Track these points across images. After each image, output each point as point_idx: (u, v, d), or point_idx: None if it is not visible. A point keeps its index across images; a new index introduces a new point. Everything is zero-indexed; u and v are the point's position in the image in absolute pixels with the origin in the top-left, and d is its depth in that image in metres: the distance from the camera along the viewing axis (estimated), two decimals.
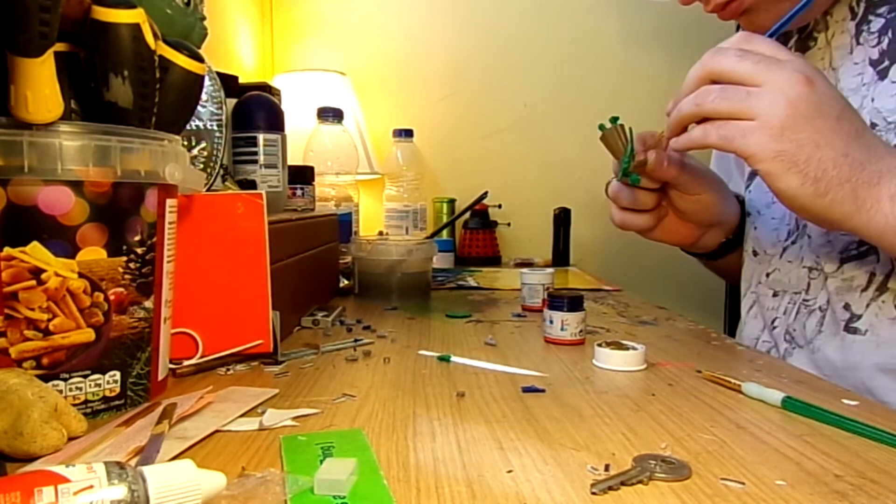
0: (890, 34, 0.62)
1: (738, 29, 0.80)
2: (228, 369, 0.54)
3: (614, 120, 0.67)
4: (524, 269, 0.85)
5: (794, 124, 0.50)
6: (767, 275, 0.73)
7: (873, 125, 0.61)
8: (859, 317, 0.61)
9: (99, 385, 0.42)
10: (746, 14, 0.67)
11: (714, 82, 0.54)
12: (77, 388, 0.41)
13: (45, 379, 0.39)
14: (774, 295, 0.72)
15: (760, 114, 0.51)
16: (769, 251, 0.73)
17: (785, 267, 0.70)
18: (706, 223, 0.75)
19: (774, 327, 0.71)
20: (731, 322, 1.33)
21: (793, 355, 0.67)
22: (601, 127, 0.68)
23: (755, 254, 0.76)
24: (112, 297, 0.42)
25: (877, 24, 0.63)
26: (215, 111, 0.75)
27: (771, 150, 0.51)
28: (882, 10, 0.63)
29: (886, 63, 0.62)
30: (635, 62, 1.59)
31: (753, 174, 0.78)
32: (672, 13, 1.57)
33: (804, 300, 0.67)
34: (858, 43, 0.65)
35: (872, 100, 0.62)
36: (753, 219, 0.76)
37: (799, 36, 0.72)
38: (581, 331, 0.64)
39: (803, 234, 0.68)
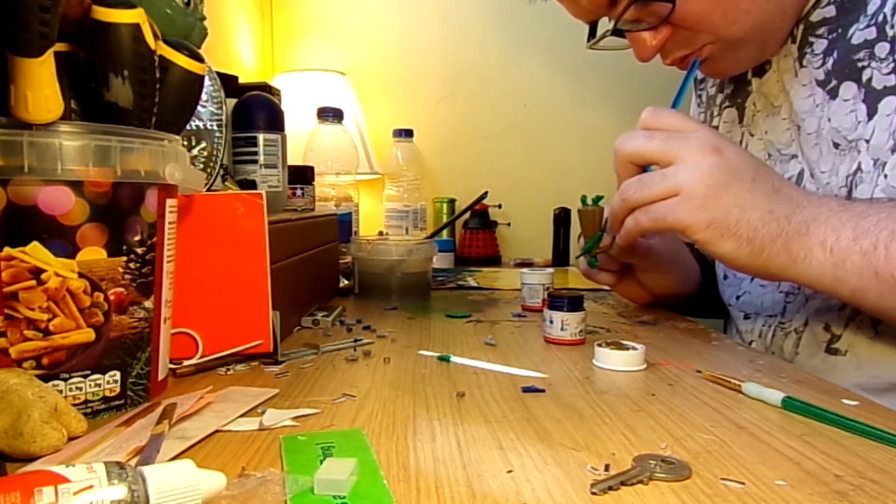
0: (835, 54, 0.62)
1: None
2: (228, 369, 0.54)
3: (597, 200, 0.73)
4: (524, 269, 0.85)
5: (716, 192, 0.53)
6: (737, 297, 0.74)
7: (835, 145, 0.62)
8: (839, 337, 0.62)
9: (99, 385, 0.42)
10: (705, 63, 0.69)
11: (633, 163, 0.59)
12: (77, 388, 0.41)
13: (45, 379, 0.39)
14: (746, 317, 0.73)
15: (681, 189, 0.54)
16: (738, 275, 0.74)
17: (757, 290, 0.71)
18: (663, 295, 0.80)
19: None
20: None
21: None
22: (583, 200, 0.75)
23: (725, 277, 0.78)
24: (112, 297, 0.42)
25: (820, 45, 0.64)
26: (215, 111, 0.75)
27: (702, 221, 0.54)
28: (821, 30, 0.64)
29: (834, 82, 0.62)
30: (635, 62, 1.59)
31: None
32: None
33: (780, 323, 0.68)
34: (802, 66, 0.66)
35: (829, 119, 0.62)
36: None
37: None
38: (581, 331, 0.64)
39: None
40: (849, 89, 0.61)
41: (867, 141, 0.59)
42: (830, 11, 0.63)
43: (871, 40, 0.59)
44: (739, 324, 0.74)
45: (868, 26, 0.59)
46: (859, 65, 0.60)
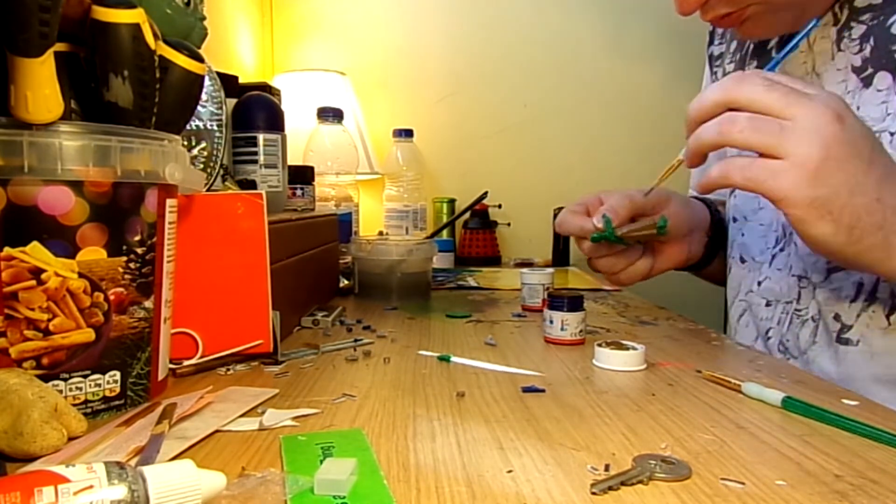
0: (872, 41, 0.61)
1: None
2: (228, 369, 0.54)
3: (608, 223, 0.67)
4: (524, 269, 0.85)
5: (829, 168, 0.47)
6: (759, 283, 0.73)
7: None
8: (850, 327, 0.61)
9: (99, 385, 0.42)
10: (745, 23, 0.66)
11: (732, 110, 0.51)
12: (77, 388, 0.41)
13: (45, 379, 0.39)
14: (767, 304, 0.71)
15: (792, 153, 0.48)
16: (758, 258, 0.72)
17: (775, 275, 0.70)
18: (685, 232, 0.76)
19: (769, 337, 0.70)
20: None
21: None
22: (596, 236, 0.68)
23: (742, 261, 0.76)
24: (112, 297, 0.42)
25: (858, 30, 0.62)
26: (215, 111, 0.75)
27: (805, 196, 0.48)
28: (865, 16, 0.62)
29: (870, 70, 0.61)
30: (635, 62, 1.59)
31: None
32: (673, 14, 1.57)
33: (796, 310, 0.67)
34: (840, 49, 0.64)
35: (858, 108, 0.61)
36: (740, 225, 0.76)
37: (780, 38, 0.71)
38: (581, 331, 0.64)
39: (790, 241, 0.68)
40: (883, 79, 0.59)
41: (892, 133, 0.58)
42: None
43: None
44: (760, 311, 0.72)
45: None
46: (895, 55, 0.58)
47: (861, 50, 0.62)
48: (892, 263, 0.49)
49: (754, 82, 0.50)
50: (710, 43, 0.86)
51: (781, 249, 0.69)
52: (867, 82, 0.61)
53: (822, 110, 0.48)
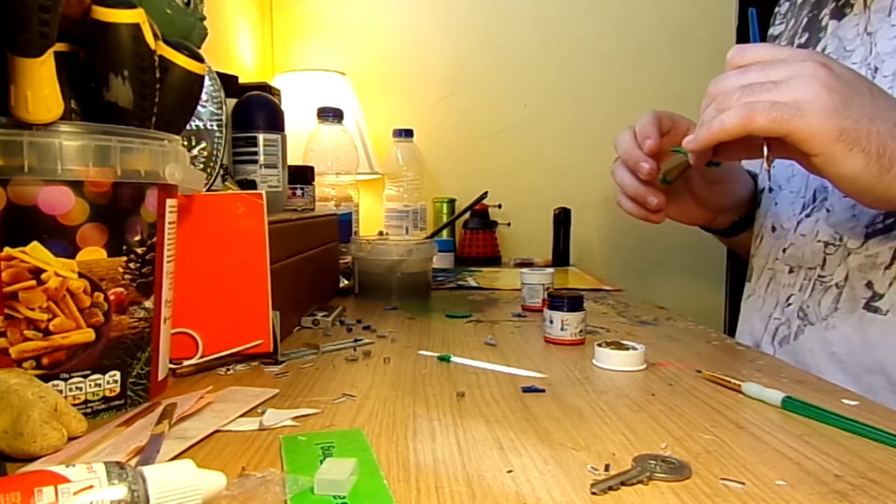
0: None
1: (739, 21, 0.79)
2: (228, 369, 0.54)
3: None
4: (524, 269, 0.85)
5: (842, 100, 0.48)
6: (784, 250, 0.72)
7: None
8: (881, 296, 0.59)
9: (99, 385, 0.42)
10: None
11: None
12: (77, 388, 0.41)
13: (45, 379, 0.39)
14: (790, 271, 0.70)
15: (801, 97, 0.48)
16: (785, 225, 0.72)
17: (799, 241, 0.69)
18: (721, 208, 0.76)
19: (789, 304, 0.69)
20: (731, 322, 1.33)
21: (804, 332, 0.66)
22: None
23: (773, 229, 0.75)
24: (112, 297, 0.42)
25: None
26: (215, 111, 0.75)
27: (833, 129, 0.48)
28: None
29: None
30: (635, 62, 1.59)
31: None
32: (672, 14, 1.57)
33: (819, 276, 0.66)
34: None
35: None
36: (775, 194, 0.75)
37: (836, 3, 0.71)
38: (581, 331, 0.64)
39: (820, 207, 0.67)
40: None
41: None
42: None
43: None
44: (783, 278, 0.71)
45: None
46: None
47: None
48: None
49: (728, 77, 0.52)
50: (772, 24, 0.87)
51: (808, 216, 0.68)
52: None
53: (804, 62, 0.49)
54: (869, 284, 0.61)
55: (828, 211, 0.66)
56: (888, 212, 0.58)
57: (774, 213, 0.75)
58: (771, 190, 0.76)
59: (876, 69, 0.64)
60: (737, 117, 0.50)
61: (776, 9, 0.86)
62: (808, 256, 0.67)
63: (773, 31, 0.86)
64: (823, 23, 0.72)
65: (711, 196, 0.74)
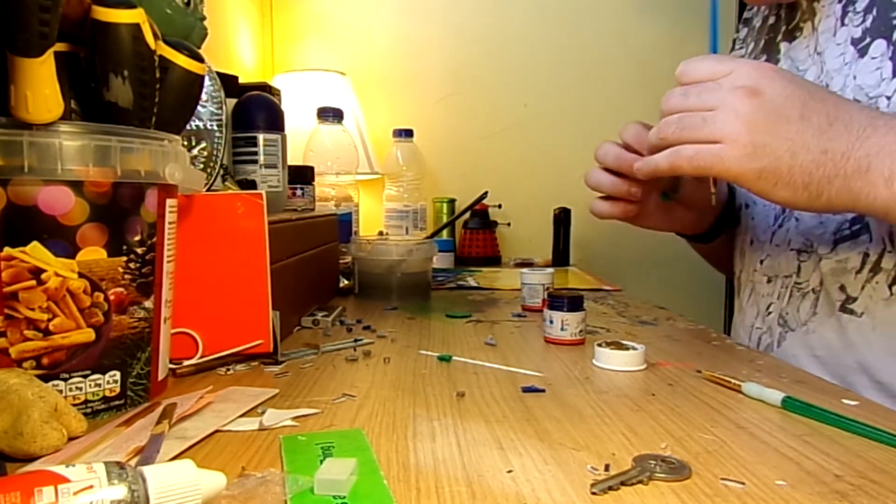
0: (875, 11, 0.61)
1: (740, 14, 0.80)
2: (228, 369, 0.54)
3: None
4: (524, 269, 0.85)
5: (762, 138, 0.50)
6: (761, 261, 0.73)
7: (856, 101, 0.60)
8: (855, 299, 0.61)
9: (99, 385, 0.42)
10: None
11: None
12: (77, 388, 0.41)
13: (45, 379, 0.39)
14: (769, 281, 0.72)
15: (723, 136, 0.51)
16: (761, 238, 0.73)
17: (774, 251, 0.71)
18: (706, 210, 0.77)
19: (769, 313, 0.70)
20: (731, 322, 1.33)
21: (786, 339, 0.67)
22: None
23: (751, 242, 0.76)
24: (112, 297, 0.42)
25: (862, 3, 0.63)
26: (215, 111, 0.75)
27: (753, 170, 0.51)
28: None
29: (868, 40, 0.61)
30: (635, 62, 1.59)
31: None
32: (673, 14, 1.57)
33: (796, 283, 0.67)
34: (843, 24, 0.65)
35: (854, 77, 0.62)
36: (751, 210, 0.76)
37: (787, 27, 0.72)
38: (581, 331, 0.64)
39: (790, 216, 0.69)
40: (878, 47, 0.60)
41: (888, 98, 0.58)
42: None
43: None
44: (761, 288, 0.73)
45: None
46: (893, 23, 0.59)
47: (863, 21, 0.62)
48: (861, 206, 0.50)
49: (673, 96, 0.56)
50: (732, 49, 0.89)
51: (780, 226, 0.70)
52: (863, 52, 0.62)
53: (733, 90, 0.52)
54: (842, 288, 0.62)
55: (797, 220, 0.67)
56: (853, 218, 0.60)
57: (752, 228, 0.76)
58: (747, 206, 0.78)
59: (826, 85, 0.65)
60: (666, 162, 0.56)
61: (734, 35, 0.88)
62: (784, 265, 0.69)
63: (734, 55, 0.87)
64: (778, 41, 0.74)
65: (702, 196, 0.75)
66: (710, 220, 0.80)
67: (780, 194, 0.52)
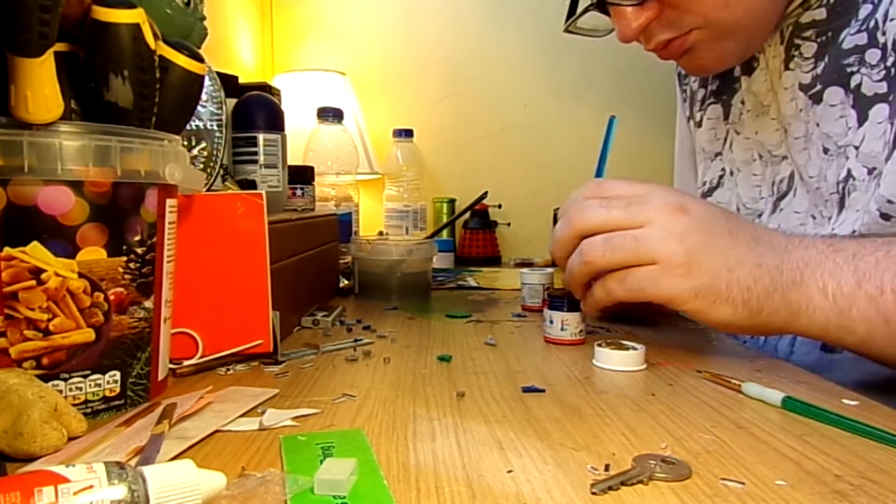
0: (826, 59, 0.61)
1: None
2: (228, 369, 0.54)
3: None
4: (524, 269, 0.85)
5: (697, 256, 0.49)
6: None
7: (825, 150, 0.61)
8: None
9: (99, 385, 0.42)
10: (687, 54, 0.65)
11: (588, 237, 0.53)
12: (77, 388, 0.41)
13: (45, 379, 0.39)
14: None
15: (657, 256, 0.50)
16: None
17: None
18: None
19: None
20: None
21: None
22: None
23: None
24: (112, 297, 0.42)
25: (809, 48, 0.62)
26: (215, 111, 0.75)
27: (689, 290, 0.49)
28: (809, 32, 0.62)
29: (819, 87, 0.61)
30: (635, 61, 1.59)
31: (712, 188, 0.79)
32: None
33: None
34: (788, 68, 0.64)
35: (818, 125, 0.61)
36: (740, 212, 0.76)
37: (742, 69, 0.71)
38: (581, 331, 0.64)
39: (770, 220, 0.69)
40: (835, 94, 0.59)
41: (856, 147, 0.58)
42: (821, 14, 0.61)
43: (861, 46, 0.57)
44: None
45: (859, 31, 0.58)
46: (848, 70, 0.58)
47: (814, 68, 0.62)
48: (801, 321, 0.49)
49: (592, 208, 0.53)
50: (680, 82, 0.87)
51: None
52: (816, 99, 0.61)
53: (663, 207, 0.50)
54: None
55: (779, 224, 0.68)
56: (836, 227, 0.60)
57: None
58: (738, 210, 0.78)
59: (785, 130, 0.65)
60: (602, 295, 0.54)
61: (679, 69, 0.86)
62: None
63: (681, 69, 0.84)
64: (736, 73, 0.73)
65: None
66: None
67: (719, 313, 0.50)
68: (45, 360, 0.40)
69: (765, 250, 0.50)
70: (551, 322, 0.64)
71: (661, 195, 0.51)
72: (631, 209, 0.51)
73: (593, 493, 0.32)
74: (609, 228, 0.52)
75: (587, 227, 0.53)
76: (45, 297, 0.39)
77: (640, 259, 0.51)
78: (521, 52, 1.61)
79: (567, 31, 0.73)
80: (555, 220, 1.48)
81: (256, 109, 0.85)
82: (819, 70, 0.61)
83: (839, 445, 0.38)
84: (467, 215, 1.42)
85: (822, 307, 0.48)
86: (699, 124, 0.80)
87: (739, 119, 0.73)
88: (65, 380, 0.41)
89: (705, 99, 0.80)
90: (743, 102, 0.72)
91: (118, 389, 0.43)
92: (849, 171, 0.58)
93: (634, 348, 0.55)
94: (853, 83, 0.58)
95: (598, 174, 0.63)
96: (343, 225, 1.07)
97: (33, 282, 0.39)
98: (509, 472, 0.34)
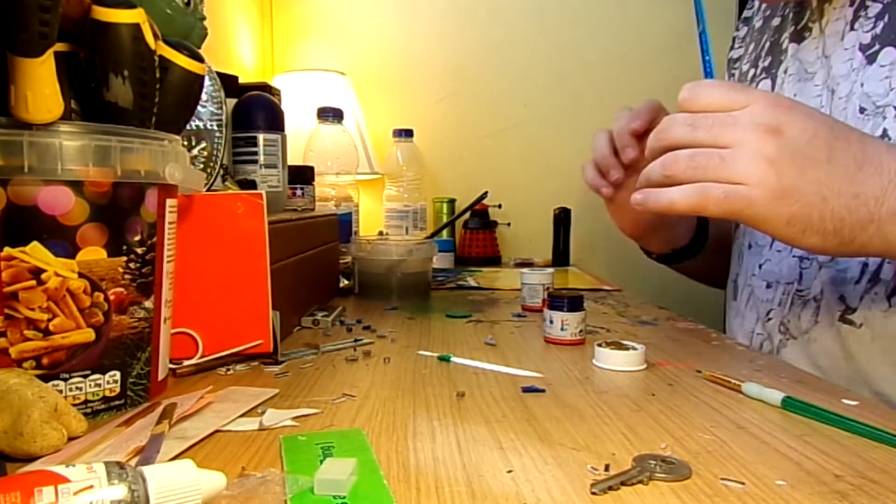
0: (886, 18, 0.60)
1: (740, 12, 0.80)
2: (228, 369, 0.54)
3: None
4: (524, 269, 0.85)
5: (790, 185, 0.47)
6: (760, 266, 0.73)
7: (861, 109, 0.60)
8: (854, 309, 0.60)
9: (99, 385, 0.42)
10: None
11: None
12: (77, 388, 0.41)
13: (45, 379, 0.39)
14: (768, 286, 0.71)
15: (748, 178, 0.47)
16: (760, 242, 0.73)
17: (775, 257, 0.70)
18: (658, 237, 0.80)
19: (769, 319, 0.70)
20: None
21: (787, 346, 0.66)
22: None
23: (750, 247, 0.76)
24: (112, 297, 0.42)
25: (874, 9, 0.62)
26: (215, 111, 0.75)
27: (782, 216, 0.47)
28: None
29: (877, 47, 0.60)
30: (636, 63, 1.59)
31: None
32: (673, 14, 1.57)
33: (797, 290, 0.66)
34: (852, 28, 0.64)
35: (862, 84, 0.61)
36: None
37: (795, 27, 0.72)
38: (581, 331, 0.64)
39: None
40: (888, 55, 0.59)
41: None
42: None
43: None
44: (760, 293, 0.72)
45: None
46: None
47: (873, 28, 0.61)
48: (895, 249, 0.48)
49: (677, 125, 0.50)
50: (731, 47, 0.87)
51: None
52: (871, 59, 0.61)
53: (753, 127, 0.47)
54: (842, 298, 0.61)
55: None
56: None
57: (751, 232, 0.76)
58: None
59: (832, 91, 0.65)
60: (687, 202, 0.50)
61: (734, 33, 0.87)
62: (785, 272, 0.68)
63: (732, 54, 0.86)
64: (784, 45, 0.73)
65: (656, 226, 0.78)
66: (685, 239, 0.81)
67: (809, 241, 0.48)
68: (45, 360, 0.40)
69: (866, 177, 0.47)
70: (551, 322, 0.64)
71: (755, 113, 0.48)
72: (715, 130, 0.48)
73: (593, 493, 0.32)
74: (695, 146, 0.50)
75: (673, 141, 0.51)
76: (45, 297, 0.39)
77: (727, 179, 0.48)
78: (521, 52, 1.61)
79: None
80: (555, 220, 1.49)
81: (256, 109, 0.85)
82: (878, 30, 0.61)
83: (839, 445, 0.38)
84: (467, 215, 1.42)
85: None
86: None
87: (782, 87, 0.73)
88: (65, 380, 0.41)
89: (755, 77, 0.79)
90: (786, 70, 0.72)
91: (118, 389, 0.43)
92: (885, 130, 0.57)
93: (634, 348, 0.55)
94: None
95: (706, 69, 0.59)
96: (343, 225, 1.07)
97: (33, 282, 0.39)
98: (509, 472, 0.34)
